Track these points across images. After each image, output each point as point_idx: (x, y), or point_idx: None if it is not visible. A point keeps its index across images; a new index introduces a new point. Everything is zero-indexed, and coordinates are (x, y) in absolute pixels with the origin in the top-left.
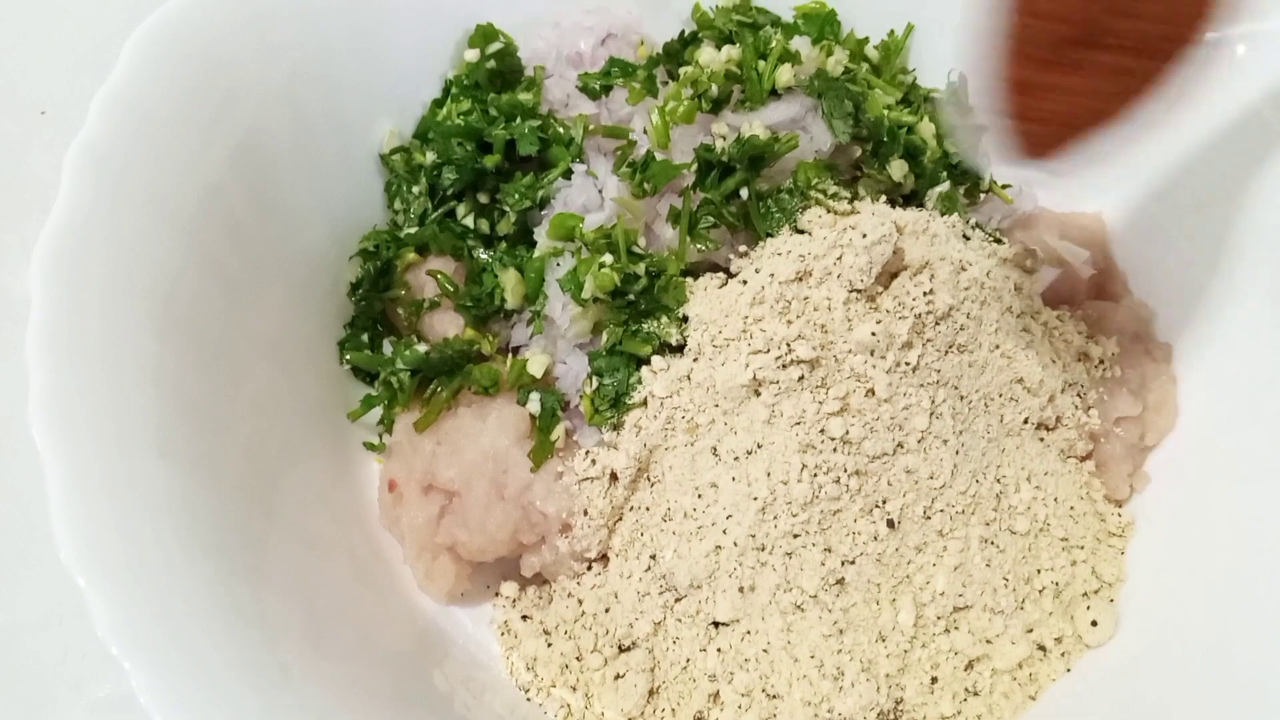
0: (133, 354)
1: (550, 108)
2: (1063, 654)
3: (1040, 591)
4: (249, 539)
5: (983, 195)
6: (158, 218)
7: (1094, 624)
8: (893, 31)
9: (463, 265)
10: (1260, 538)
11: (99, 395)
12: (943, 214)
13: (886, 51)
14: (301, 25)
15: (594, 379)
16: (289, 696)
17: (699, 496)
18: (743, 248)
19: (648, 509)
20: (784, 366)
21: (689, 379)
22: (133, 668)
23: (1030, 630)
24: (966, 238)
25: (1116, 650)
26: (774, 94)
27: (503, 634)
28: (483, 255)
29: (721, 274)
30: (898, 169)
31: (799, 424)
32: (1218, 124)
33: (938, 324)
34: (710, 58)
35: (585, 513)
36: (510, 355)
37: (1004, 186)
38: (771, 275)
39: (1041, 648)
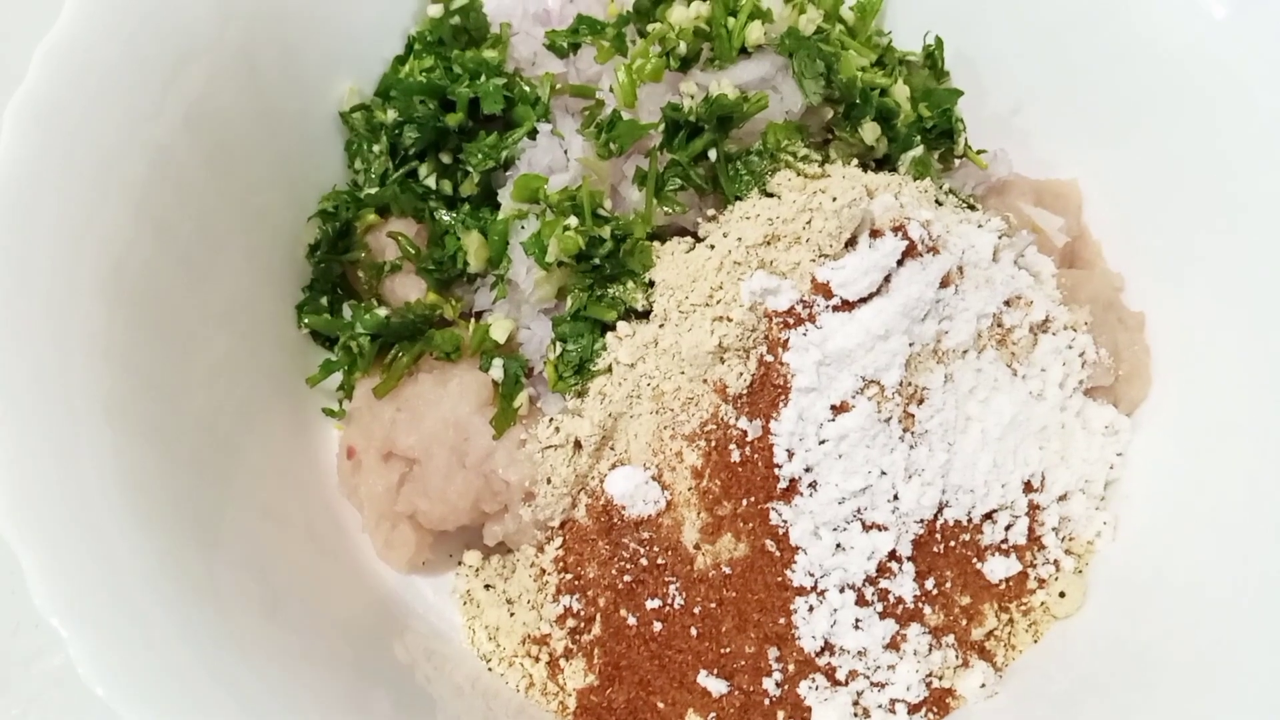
0: (81, 320)
1: (516, 66)
2: (1031, 624)
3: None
4: (202, 508)
5: (957, 161)
6: (106, 179)
7: (1062, 595)
8: None
9: (424, 227)
10: (1233, 507)
11: (43, 362)
12: (915, 179)
13: (862, 13)
14: None
15: (558, 344)
16: (243, 669)
17: None
18: (711, 211)
19: None
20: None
21: (655, 345)
22: (70, 636)
23: None
24: (939, 203)
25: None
26: (744, 52)
27: (465, 603)
28: (445, 217)
29: (689, 238)
30: (870, 132)
31: None
32: (1194, 93)
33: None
34: (681, 15)
35: (548, 481)
36: (473, 320)
37: (979, 152)
38: (739, 239)
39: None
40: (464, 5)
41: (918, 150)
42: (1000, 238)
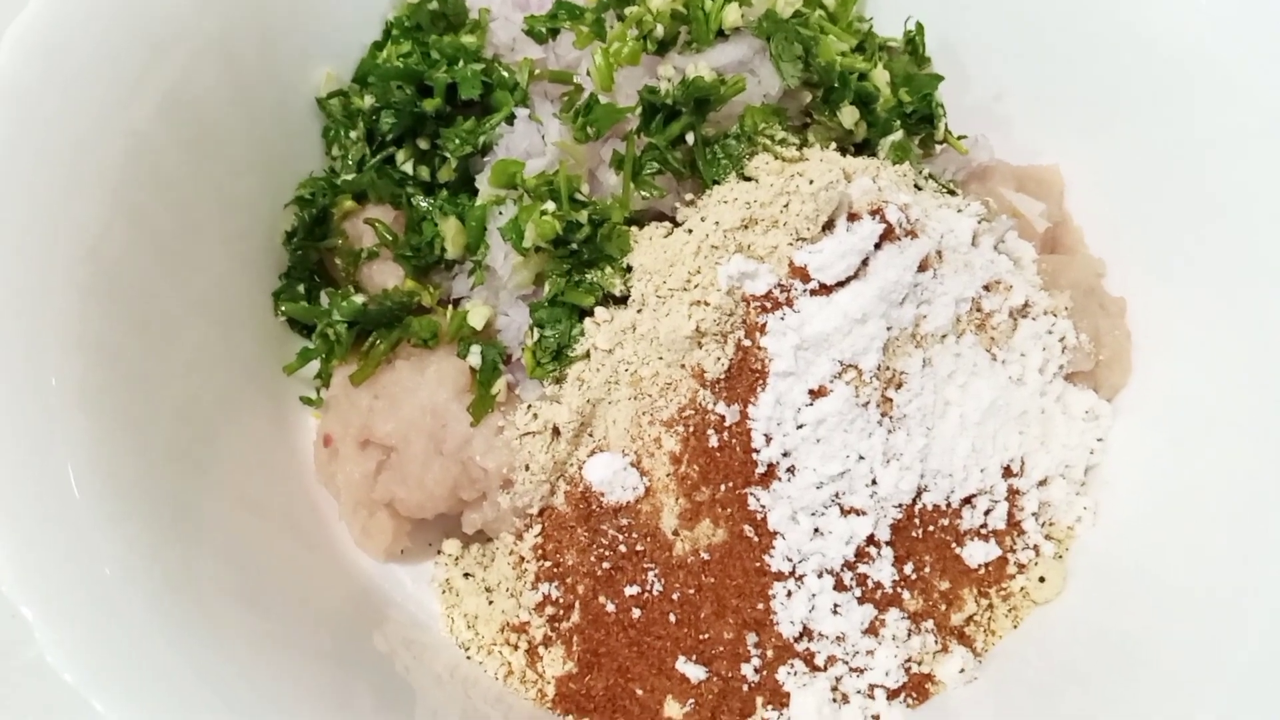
0: (55, 309)
1: (496, 51)
2: (1011, 609)
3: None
4: (179, 497)
5: (938, 146)
6: (80, 167)
7: (1042, 580)
8: None
9: (402, 214)
10: (1213, 492)
11: (17, 351)
12: (894, 163)
13: None
14: None
15: (535, 330)
16: (220, 658)
17: None
18: (689, 195)
19: None
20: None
21: (633, 330)
22: (37, 620)
23: None
24: (918, 188)
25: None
26: (721, 35)
27: (444, 592)
28: (423, 203)
29: (667, 223)
30: (848, 116)
31: None
32: (1176, 78)
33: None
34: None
35: (527, 468)
36: (450, 307)
37: (960, 138)
38: (716, 223)
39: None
40: None
41: (897, 135)
42: (980, 222)
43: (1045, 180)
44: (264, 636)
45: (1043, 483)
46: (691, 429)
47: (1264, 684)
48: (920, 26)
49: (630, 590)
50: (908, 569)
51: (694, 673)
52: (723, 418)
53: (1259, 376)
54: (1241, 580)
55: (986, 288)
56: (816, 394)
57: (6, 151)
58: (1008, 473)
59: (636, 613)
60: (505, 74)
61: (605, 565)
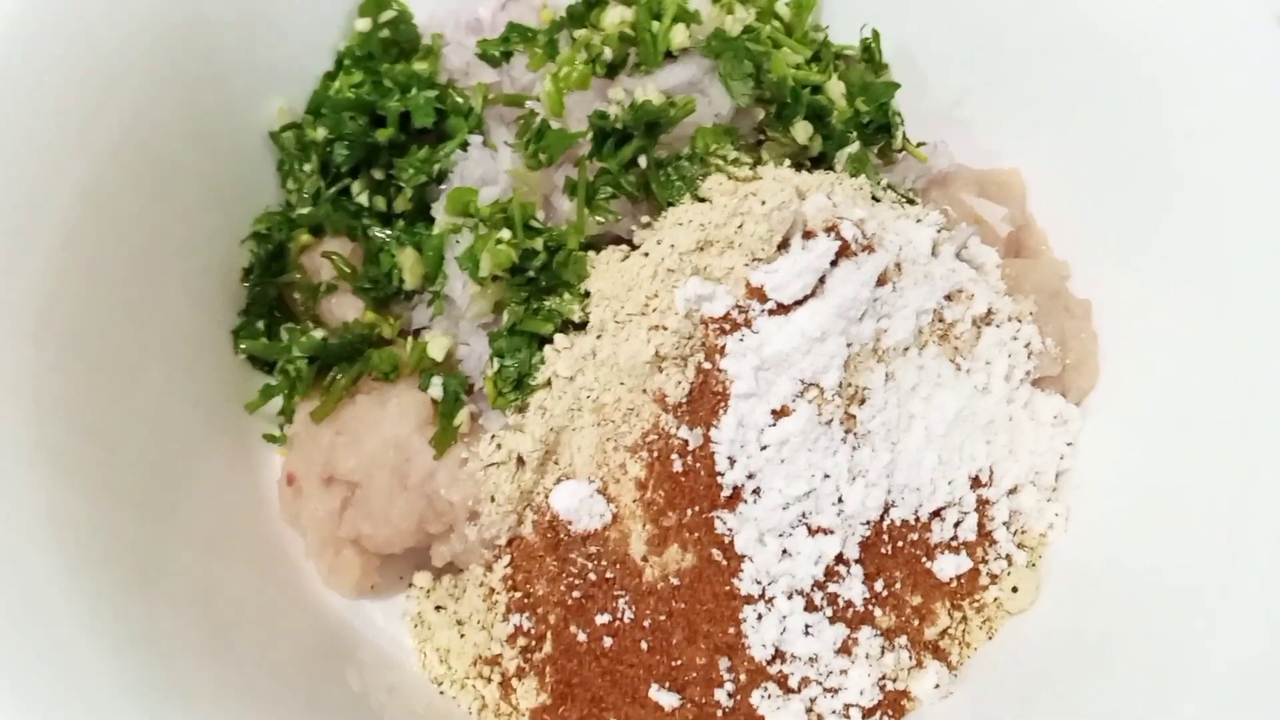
0: (7, 366)
1: (449, 77)
2: (985, 620)
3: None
4: (140, 547)
5: (897, 155)
6: (31, 223)
7: (1015, 590)
8: None
9: (359, 246)
10: (1185, 493)
11: None
12: (852, 175)
13: (798, 8)
14: (183, 1)
15: (496, 360)
16: (186, 714)
17: None
18: (645, 218)
19: None
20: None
21: (593, 356)
22: None
23: None
24: (876, 199)
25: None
26: (670, 56)
27: (415, 626)
28: (379, 234)
29: (625, 246)
30: (802, 131)
31: None
32: (1136, 75)
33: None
34: (613, 20)
35: (493, 499)
36: (412, 338)
37: (919, 144)
38: (672, 246)
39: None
40: (393, 18)
41: (854, 147)
42: (940, 231)
43: (1006, 184)
44: (232, 685)
45: (1013, 491)
46: (655, 454)
47: (1241, 682)
48: (876, 34)
49: (601, 619)
50: (878, 586)
51: (667, 700)
52: (686, 441)
53: (1228, 373)
54: (1216, 577)
55: (948, 297)
56: (779, 414)
57: None
58: (976, 483)
59: (608, 641)
60: (459, 100)
61: (575, 594)
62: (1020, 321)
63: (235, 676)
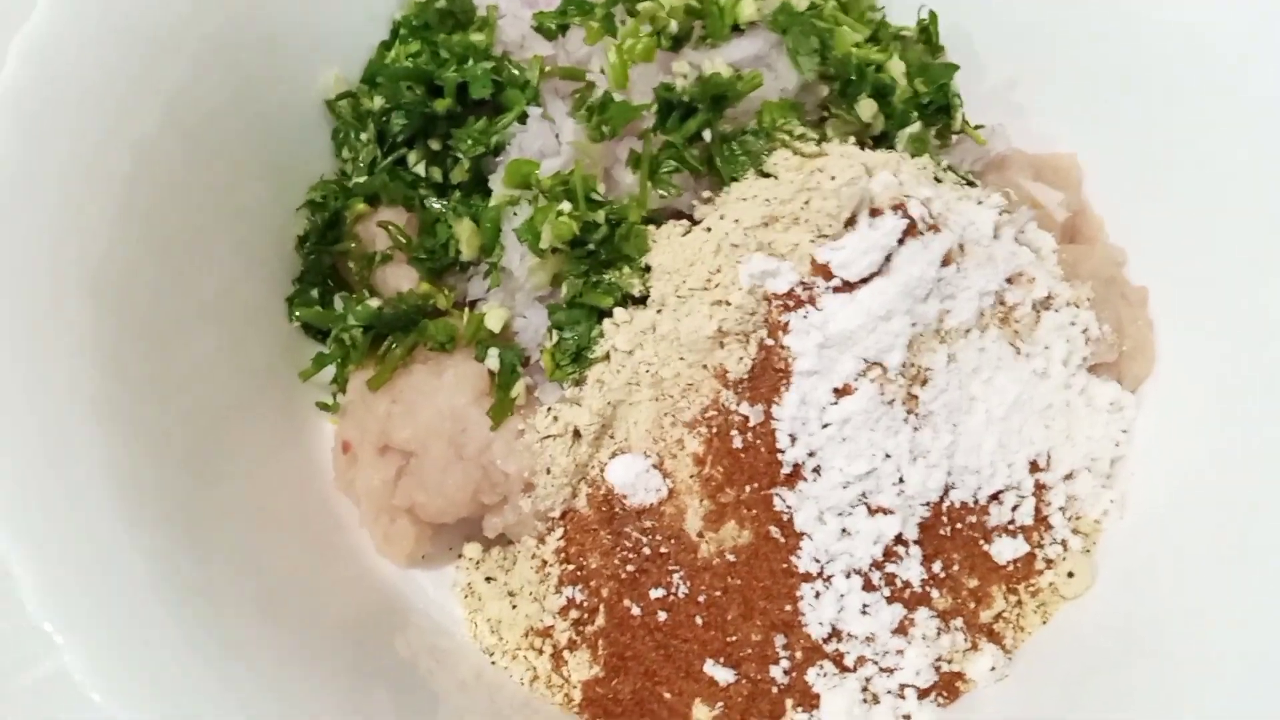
0: (67, 320)
1: (505, 49)
2: (1040, 605)
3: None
4: (196, 507)
5: (955, 136)
6: (89, 176)
7: (1070, 575)
8: None
9: (415, 216)
10: (1239, 481)
11: (30, 364)
12: (913, 156)
13: None
14: None
15: (554, 333)
16: (241, 669)
17: None
18: (707, 193)
19: None
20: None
21: (653, 331)
22: (66, 643)
23: None
24: (938, 180)
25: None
26: (736, 30)
27: (466, 597)
28: (436, 205)
29: (685, 221)
30: (866, 109)
31: None
32: (1190, 64)
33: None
34: None
35: (548, 471)
36: (467, 309)
37: (977, 127)
38: (736, 221)
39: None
40: None
41: (915, 127)
42: (1000, 214)
43: (1062, 169)
44: (284, 646)
45: (1069, 476)
46: (715, 430)
47: None
48: (934, 15)
49: (655, 593)
50: (936, 567)
51: (722, 675)
52: (746, 418)
53: None
54: (1270, 567)
55: (1009, 280)
56: (841, 392)
57: (14, 163)
58: (1034, 468)
59: (662, 615)
60: (516, 72)
61: (629, 568)
62: (1078, 307)
63: (286, 637)
